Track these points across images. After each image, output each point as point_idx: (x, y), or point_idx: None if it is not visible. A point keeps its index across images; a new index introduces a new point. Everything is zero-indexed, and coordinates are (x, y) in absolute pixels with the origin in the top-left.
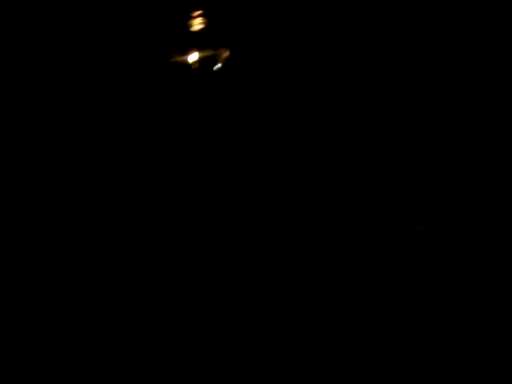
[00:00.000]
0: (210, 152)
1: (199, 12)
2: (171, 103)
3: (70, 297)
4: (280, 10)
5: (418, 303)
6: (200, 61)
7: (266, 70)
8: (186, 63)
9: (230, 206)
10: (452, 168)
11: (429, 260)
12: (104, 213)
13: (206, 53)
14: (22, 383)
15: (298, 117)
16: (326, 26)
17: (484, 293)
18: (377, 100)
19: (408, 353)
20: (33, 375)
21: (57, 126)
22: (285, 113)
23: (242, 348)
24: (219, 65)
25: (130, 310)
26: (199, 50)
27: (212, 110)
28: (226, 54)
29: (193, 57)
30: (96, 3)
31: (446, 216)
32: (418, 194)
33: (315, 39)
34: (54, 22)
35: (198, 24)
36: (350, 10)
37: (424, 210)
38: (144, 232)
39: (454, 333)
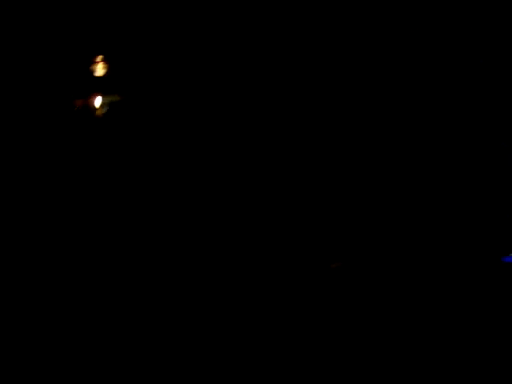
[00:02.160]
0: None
1: (101, 57)
2: (77, 145)
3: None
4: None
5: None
6: (103, 105)
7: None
8: (88, 107)
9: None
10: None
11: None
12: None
13: (110, 97)
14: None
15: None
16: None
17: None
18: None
19: None
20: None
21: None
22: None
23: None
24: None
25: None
26: (102, 94)
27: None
28: (120, 98)
29: (97, 101)
30: None
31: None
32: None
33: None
34: None
35: (100, 69)
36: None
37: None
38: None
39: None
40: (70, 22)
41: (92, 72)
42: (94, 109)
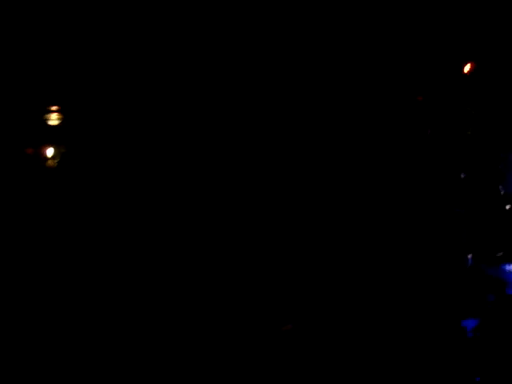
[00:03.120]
0: None
1: (56, 107)
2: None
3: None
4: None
5: None
6: (55, 156)
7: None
8: (40, 157)
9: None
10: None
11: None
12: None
13: (61, 148)
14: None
15: None
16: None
17: None
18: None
19: None
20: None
21: None
22: None
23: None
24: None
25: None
26: (55, 144)
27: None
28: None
29: (49, 151)
30: None
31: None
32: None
33: None
34: None
35: (53, 119)
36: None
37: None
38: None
39: None
40: (24, 68)
41: (46, 121)
42: (46, 159)
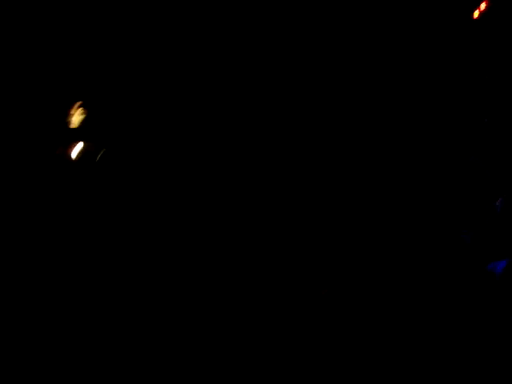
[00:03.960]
0: None
1: (79, 103)
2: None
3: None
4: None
5: None
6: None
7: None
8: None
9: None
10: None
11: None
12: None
13: (87, 146)
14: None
15: None
16: None
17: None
18: None
19: None
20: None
21: None
22: None
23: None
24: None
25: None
26: (80, 142)
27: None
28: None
29: (75, 149)
30: None
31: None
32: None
33: None
34: None
35: (78, 116)
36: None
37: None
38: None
39: None
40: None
41: (70, 120)
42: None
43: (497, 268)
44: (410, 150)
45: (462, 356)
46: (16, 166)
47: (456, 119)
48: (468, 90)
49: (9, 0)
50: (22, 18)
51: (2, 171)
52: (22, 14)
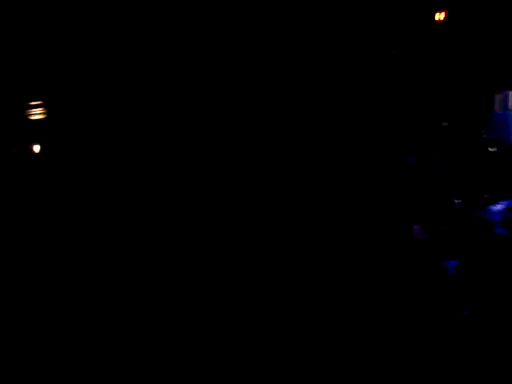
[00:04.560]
0: None
1: (39, 102)
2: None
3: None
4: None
5: None
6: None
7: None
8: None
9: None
10: None
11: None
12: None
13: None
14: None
15: None
16: None
17: None
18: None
19: None
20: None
21: None
22: None
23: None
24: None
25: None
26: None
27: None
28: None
29: (35, 148)
30: None
31: None
32: None
33: None
34: None
35: (37, 114)
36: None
37: None
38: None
39: None
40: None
41: (30, 117)
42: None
43: (449, 266)
44: (374, 150)
45: (414, 349)
46: None
47: (416, 122)
48: (427, 93)
49: None
50: None
51: None
52: None
